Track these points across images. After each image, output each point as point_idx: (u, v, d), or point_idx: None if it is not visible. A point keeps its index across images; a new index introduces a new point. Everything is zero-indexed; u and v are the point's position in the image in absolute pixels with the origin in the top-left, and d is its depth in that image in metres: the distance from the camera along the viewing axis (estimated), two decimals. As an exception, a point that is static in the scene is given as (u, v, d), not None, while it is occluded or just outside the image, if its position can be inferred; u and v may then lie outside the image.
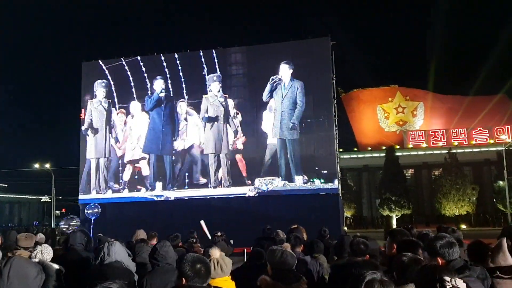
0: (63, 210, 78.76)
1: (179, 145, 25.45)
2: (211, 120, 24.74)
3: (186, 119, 25.49)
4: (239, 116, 24.88)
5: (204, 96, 25.05)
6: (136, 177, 25.75)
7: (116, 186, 25.87)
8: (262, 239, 7.80)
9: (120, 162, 26.11)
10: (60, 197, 59.13)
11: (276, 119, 23.93)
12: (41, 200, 71.99)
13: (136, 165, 25.89)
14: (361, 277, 2.23)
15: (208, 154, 24.67)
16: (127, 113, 26.35)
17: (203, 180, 24.73)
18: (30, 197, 78.77)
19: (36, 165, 51.02)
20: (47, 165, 50.23)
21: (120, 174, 25.94)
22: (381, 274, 2.24)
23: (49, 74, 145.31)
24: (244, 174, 24.16)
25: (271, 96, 24.13)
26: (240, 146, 24.53)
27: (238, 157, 24.47)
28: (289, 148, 23.64)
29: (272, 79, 23.99)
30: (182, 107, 25.56)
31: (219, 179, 24.46)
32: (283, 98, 23.84)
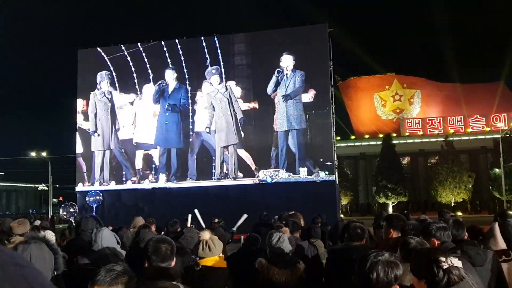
0: (60, 198, 78.65)
1: (184, 137, 25.09)
2: (217, 112, 24.26)
3: (195, 110, 25.05)
4: (245, 105, 24.46)
5: (205, 91, 24.55)
6: (139, 169, 25.49)
7: (120, 178, 25.59)
8: (259, 225, 7.87)
9: (124, 153, 25.80)
10: (57, 185, 59.09)
11: (279, 111, 23.63)
12: (38, 189, 71.91)
13: (140, 157, 25.57)
14: (366, 258, 2.09)
15: (215, 146, 24.30)
16: (133, 100, 25.96)
17: (208, 173, 24.41)
18: (27, 185, 78.68)
19: (33, 153, 50.88)
20: (44, 154, 50.09)
21: (124, 166, 25.68)
22: (388, 254, 2.10)
23: (45, 61, 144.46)
24: (251, 167, 23.86)
25: (275, 89, 23.65)
26: (246, 137, 24.22)
27: (245, 149, 24.13)
28: (292, 139, 23.36)
29: (278, 72, 23.56)
30: (198, 95, 25.03)
31: (225, 172, 24.13)
32: (286, 89, 23.52)
